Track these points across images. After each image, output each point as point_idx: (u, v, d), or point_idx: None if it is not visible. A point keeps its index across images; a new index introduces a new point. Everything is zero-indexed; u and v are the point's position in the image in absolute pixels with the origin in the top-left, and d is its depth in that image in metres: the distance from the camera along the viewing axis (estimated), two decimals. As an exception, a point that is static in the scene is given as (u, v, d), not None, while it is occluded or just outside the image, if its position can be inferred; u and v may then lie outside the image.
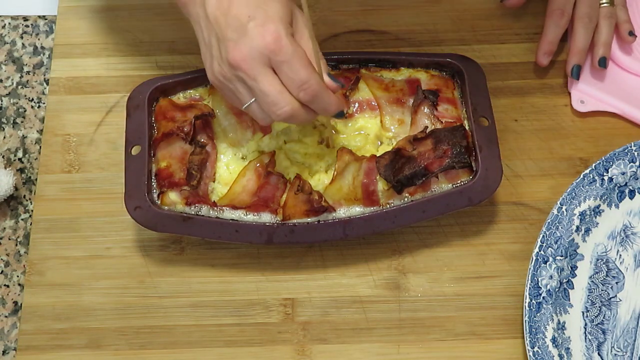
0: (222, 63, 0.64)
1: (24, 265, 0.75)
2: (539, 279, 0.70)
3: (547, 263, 0.70)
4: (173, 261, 0.74)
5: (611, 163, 0.73)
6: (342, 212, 0.71)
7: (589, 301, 0.71)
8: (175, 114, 0.74)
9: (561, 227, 0.71)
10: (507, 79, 0.81)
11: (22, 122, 0.81)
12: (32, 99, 0.82)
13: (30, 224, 0.76)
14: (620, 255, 0.73)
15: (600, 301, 0.71)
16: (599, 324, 0.70)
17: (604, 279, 0.72)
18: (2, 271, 0.75)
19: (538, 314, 0.69)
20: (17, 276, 0.75)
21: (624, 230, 0.73)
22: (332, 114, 0.67)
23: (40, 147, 0.79)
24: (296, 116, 0.64)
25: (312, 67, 0.63)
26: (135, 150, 0.72)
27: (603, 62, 0.79)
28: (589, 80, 0.80)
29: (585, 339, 0.70)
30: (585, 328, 0.70)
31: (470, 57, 0.76)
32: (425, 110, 0.74)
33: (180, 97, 0.76)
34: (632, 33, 0.80)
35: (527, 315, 0.69)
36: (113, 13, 0.84)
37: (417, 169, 0.70)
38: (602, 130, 0.79)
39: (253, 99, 0.65)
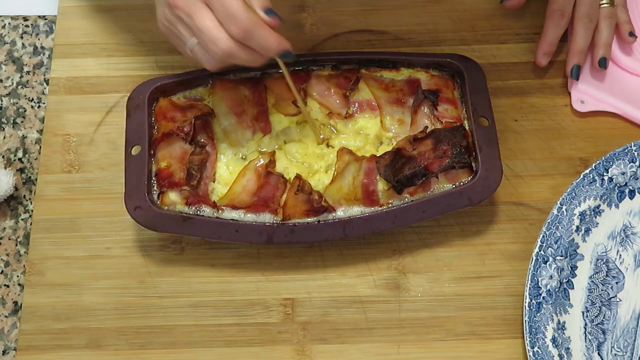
0: (163, 5, 0.65)
1: (24, 265, 0.75)
2: (539, 279, 0.70)
3: (547, 263, 0.70)
4: (173, 261, 0.74)
5: (611, 163, 0.73)
6: (342, 212, 0.71)
7: (589, 301, 0.71)
8: (175, 114, 0.74)
9: (561, 227, 0.71)
10: (507, 79, 0.81)
11: (22, 122, 0.81)
12: (32, 99, 0.82)
13: (30, 224, 0.76)
14: (620, 255, 0.73)
15: (600, 301, 0.71)
16: (599, 324, 0.70)
17: (604, 279, 0.72)
18: (2, 271, 0.75)
19: (538, 314, 0.69)
20: (17, 276, 0.75)
21: (624, 230, 0.73)
22: (273, 52, 0.64)
23: (40, 147, 0.79)
24: (235, 55, 0.63)
25: (243, 1, 0.62)
26: (135, 150, 0.72)
27: (603, 63, 0.79)
28: (589, 80, 0.80)
29: (585, 339, 0.70)
30: (585, 328, 0.70)
31: (470, 57, 0.76)
32: (425, 110, 0.74)
33: (180, 97, 0.76)
34: (632, 34, 0.80)
35: (527, 315, 0.69)
36: (113, 13, 0.84)
37: (417, 169, 0.71)
38: (602, 130, 0.79)
39: (195, 40, 0.65)
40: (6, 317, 0.74)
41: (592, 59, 0.80)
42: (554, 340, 0.69)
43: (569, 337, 0.70)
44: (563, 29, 0.80)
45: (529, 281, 0.70)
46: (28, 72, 0.83)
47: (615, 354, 0.70)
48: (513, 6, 0.81)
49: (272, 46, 0.64)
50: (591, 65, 0.80)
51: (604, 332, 0.70)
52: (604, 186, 0.73)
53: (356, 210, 0.71)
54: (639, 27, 0.82)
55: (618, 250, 0.73)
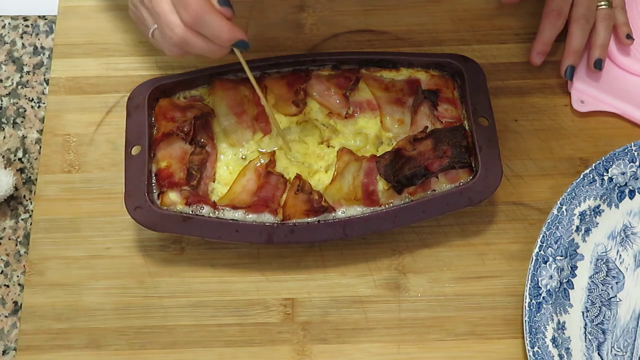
0: None
1: (24, 265, 0.75)
2: (539, 279, 0.70)
3: (547, 263, 0.70)
4: (173, 261, 0.74)
5: (611, 163, 0.73)
6: (342, 212, 0.71)
7: (589, 301, 0.71)
8: (175, 114, 0.74)
9: (561, 227, 0.71)
10: (507, 79, 0.81)
11: (22, 122, 0.81)
12: (32, 99, 0.82)
13: (30, 224, 0.76)
14: (620, 255, 0.73)
15: (600, 301, 0.71)
16: (599, 324, 0.70)
17: (604, 279, 0.72)
18: (2, 271, 0.75)
19: (538, 314, 0.69)
20: (17, 276, 0.75)
21: (624, 230, 0.73)
22: (225, 41, 0.64)
23: (40, 147, 0.79)
24: (190, 42, 0.63)
25: None
26: (135, 150, 0.72)
27: (599, 65, 0.79)
28: (588, 80, 0.80)
29: (585, 339, 0.70)
30: (585, 328, 0.70)
31: (470, 57, 0.76)
32: (425, 110, 0.74)
33: (180, 97, 0.76)
34: (629, 36, 0.80)
35: (527, 315, 0.69)
36: (113, 13, 0.84)
37: (417, 169, 0.71)
38: (602, 130, 0.79)
39: (155, 25, 0.65)
40: (6, 317, 0.74)
41: (588, 61, 0.80)
42: (554, 340, 0.69)
43: (569, 337, 0.70)
44: (559, 29, 0.79)
45: (529, 281, 0.70)
46: (28, 72, 0.83)
47: (615, 354, 0.70)
48: (511, 1, 0.81)
49: (224, 35, 0.63)
50: (587, 66, 0.80)
51: (604, 332, 0.70)
52: (604, 186, 0.73)
53: (356, 210, 0.71)
54: (639, 27, 0.82)
55: (618, 250, 0.73)
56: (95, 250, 0.75)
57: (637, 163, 0.74)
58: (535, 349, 0.68)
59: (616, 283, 0.72)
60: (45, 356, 0.71)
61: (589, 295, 0.71)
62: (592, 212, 0.73)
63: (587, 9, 0.78)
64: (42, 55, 0.84)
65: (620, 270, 0.72)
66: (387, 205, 0.71)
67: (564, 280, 0.71)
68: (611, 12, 0.79)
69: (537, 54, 0.80)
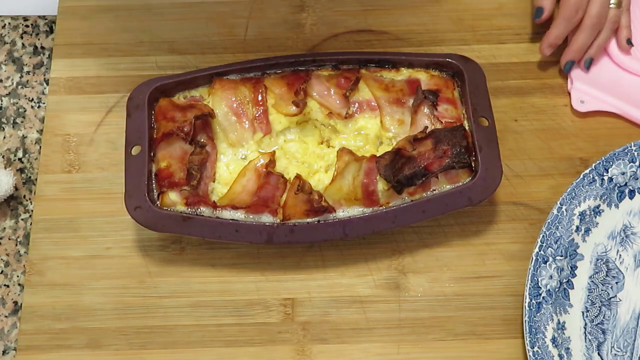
0: None
1: (24, 265, 0.75)
2: (539, 279, 0.70)
3: (547, 263, 0.70)
4: (173, 261, 0.74)
5: (611, 163, 0.73)
6: (342, 212, 0.71)
7: (589, 301, 0.71)
8: (175, 114, 0.74)
9: (561, 227, 0.71)
10: (507, 79, 0.81)
11: (22, 122, 0.81)
12: (32, 99, 0.82)
13: (30, 224, 0.76)
14: (620, 255, 0.73)
15: (600, 301, 0.71)
16: (598, 324, 0.70)
17: (604, 279, 0.72)
18: (2, 271, 0.75)
19: (538, 314, 0.69)
20: (17, 276, 0.75)
21: (623, 230, 0.73)
22: None
23: (40, 147, 0.79)
24: None
25: None
26: (135, 150, 0.72)
27: (588, 64, 0.79)
28: (589, 80, 0.80)
29: (585, 339, 0.70)
30: (585, 328, 0.70)
31: (470, 57, 0.76)
32: (425, 111, 0.74)
33: (180, 97, 0.76)
34: (629, 41, 0.80)
35: (527, 315, 0.69)
36: (113, 13, 0.84)
37: (417, 169, 0.70)
38: (602, 130, 0.79)
39: None
40: (6, 317, 0.74)
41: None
42: (554, 340, 0.69)
43: (569, 337, 0.70)
44: (574, 25, 0.78)
45: (529, 281, 0.70)
46: (28, 72, 0.83)
47: (615, 354, 0.70)
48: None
49: None
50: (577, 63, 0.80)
51: (604, 332, 0.70)
52: (604, 186, 0.73)
53: (356, 210, 0.71)
54: (640, 27, 0.82)
55: (618, 250, 0.73)
56: (95, 250, 0.75)
57: (637, 163, 0.74)
58: (535, 349, 0.68)
59: (616, 283, 0.72)
60: (45, 356, 0.71)
61: (588, 295, 0.71)
62: (592, 212, 0.73)
63: (601, 8, 0.78)
64: (42, 55, 0.84)
65: (620, 270, 0.72)
66: (387, 205, 0.71)
67: (564, 280, 0.71)
68: (618, 14, 0.79)
69: (547, 46, 0.79)
